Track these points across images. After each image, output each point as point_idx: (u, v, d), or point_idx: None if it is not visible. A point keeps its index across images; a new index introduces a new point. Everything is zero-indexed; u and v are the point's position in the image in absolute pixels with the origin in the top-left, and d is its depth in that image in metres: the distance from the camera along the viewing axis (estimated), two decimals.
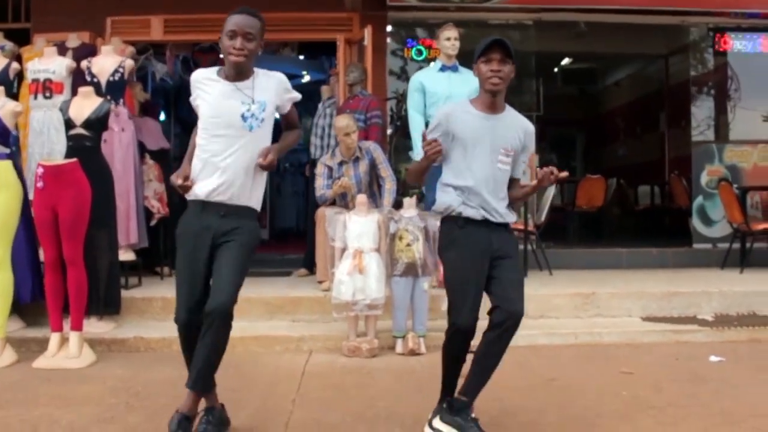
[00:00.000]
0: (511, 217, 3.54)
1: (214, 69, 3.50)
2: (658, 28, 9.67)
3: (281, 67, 11.32)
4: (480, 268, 3.41)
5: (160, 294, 6.15)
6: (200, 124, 3.45)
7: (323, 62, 10.30)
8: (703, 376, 4.72)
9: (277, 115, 3.58)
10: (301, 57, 10.55)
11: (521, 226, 7.51)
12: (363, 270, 5.29)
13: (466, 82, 6.40)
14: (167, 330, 5.62)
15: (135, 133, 6.75)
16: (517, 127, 3.53)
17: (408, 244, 5.40)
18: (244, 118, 3.37)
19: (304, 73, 11.22)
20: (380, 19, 8.10)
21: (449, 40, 6.32)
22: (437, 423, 3.49)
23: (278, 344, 5.53)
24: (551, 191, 7.92)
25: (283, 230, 12.71)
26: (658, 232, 10.42)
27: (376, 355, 5.26)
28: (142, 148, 7.12)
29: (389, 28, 8.62)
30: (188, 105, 3.61)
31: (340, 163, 6.42)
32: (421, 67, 7.80)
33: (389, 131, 8.12)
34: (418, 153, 6.39)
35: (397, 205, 5.99)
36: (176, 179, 3.37)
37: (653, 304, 6.30)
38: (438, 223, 5.45)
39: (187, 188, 3.37)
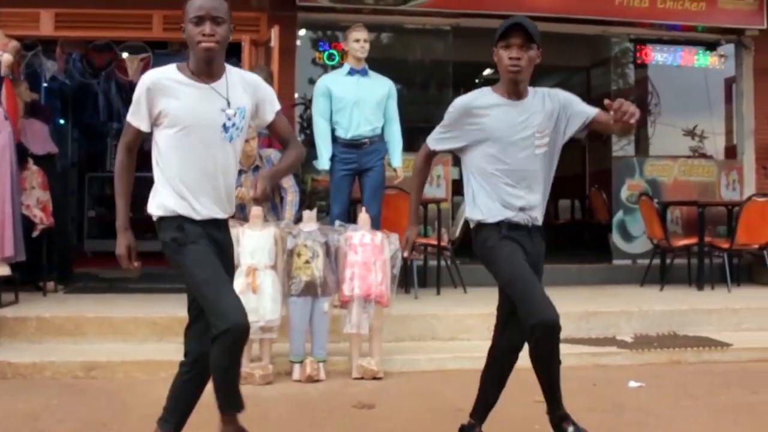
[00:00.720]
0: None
1: (172, 66, 2.95)
2: (581, 40, 9.50)
3: None
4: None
5: (36, 313, 5.55)
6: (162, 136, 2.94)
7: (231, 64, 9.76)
8: (622, 404, 4.41)
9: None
10: None
11: (434, 241, 7.14)
12: (256, 289, 4.81)
13: (376, 87, 6.02)
14: (40, 353, 5.07)
15: (12, 136, 6.11)
16: (543, 103, 3.25)
17: (307, 261, 4.94)
18: (225, 128, 2.93)
19: None
20: (290, 19, 7.62)
21: (358, 41, 5.91)
22: None
23: (164, 370, 4.94)
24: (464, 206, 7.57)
25: None
26: (579, 247, 10.19)
27: (270, 382, 4.80)
28: (26, 153, 6.53)
29: (303, 32, 8.17)
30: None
31: (239, 172, 5.92)
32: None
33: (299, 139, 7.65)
34: (323, 163, 5.95)
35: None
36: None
37: (571, 324, 5.94)
38: (339, 237, 5.09)
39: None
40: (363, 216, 5.29)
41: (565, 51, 11.46)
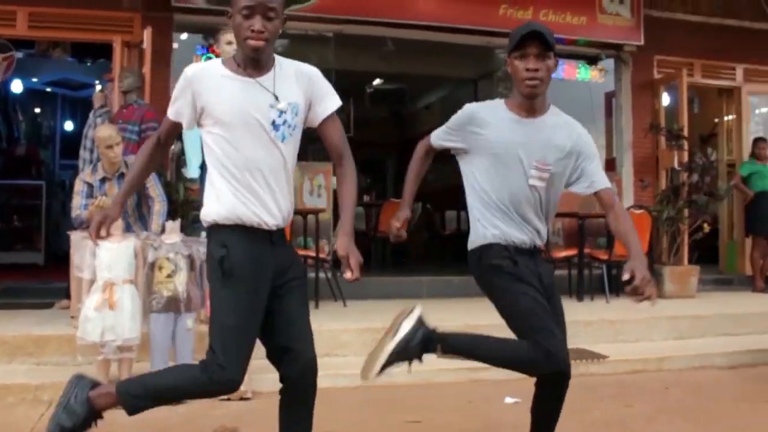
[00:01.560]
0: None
1: (217, 60, 2.72)
2: (467, 52, 9.47)
3: (50, 71, 10.20)
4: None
5: None
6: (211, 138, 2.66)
7: (101, 66, 9.27)
8: (497, 422, 4.28)
9: None
10: (73, 59, 9.47)
11: (312, 253, 6.91)
12: (114, 305, 4.45)
13: None
14: None
15: None
16: (562, 131, 3.06)
17: (168, 275, 4.62)
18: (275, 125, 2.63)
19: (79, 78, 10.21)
20: (165, 21, 7.27)
21: (231, 44, 5.60)
22: None
23: (12, 395, 4.59)
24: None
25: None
26: (464, 258, 10.17)
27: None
28: None
29: (185, 35, 7.83)
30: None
31: (102, 180, 5.57)
32: None
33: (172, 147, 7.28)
34: (193, 171, 5.65)
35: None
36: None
37: None
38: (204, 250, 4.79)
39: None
40: None
41: (453, 62, 11.55)
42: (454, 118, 3.14)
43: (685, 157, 8.55)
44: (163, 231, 5.02)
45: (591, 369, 5.61)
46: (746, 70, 9.58)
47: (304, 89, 2.70)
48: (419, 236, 11.66)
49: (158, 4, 7.25)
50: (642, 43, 8.60)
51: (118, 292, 4.51)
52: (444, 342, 3.10)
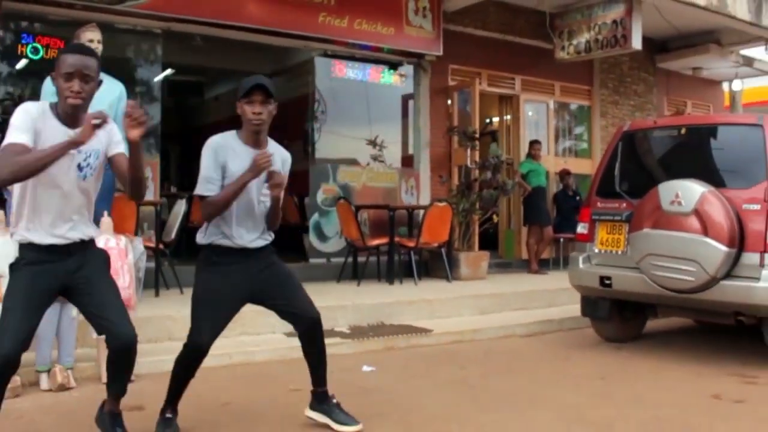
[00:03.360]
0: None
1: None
2: (262, 48, 9.89)
3: None
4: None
5: None
6: None
7: None
8: (364, 388, 4.93)
9: None
10: None
11: (151, 244, 7.16)
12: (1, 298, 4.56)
13: (108, 90, 5.92)
14: None
15: None
16: (278, 158, 3.70)
17: None
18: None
19: None
20: None
21: (92, 42, 5.78)
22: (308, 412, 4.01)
23: None
24: (182, 208, 7.70)
25: None
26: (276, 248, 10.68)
27: (19, 395, 4.56)
28: None
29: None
30: None
31: None
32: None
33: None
34: None
35: None
36: None
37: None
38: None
39: None
40: (105, 220, 5.23)
41: (246, 58, 11.97)
42: (209, 157, 3.62)
43: (477, 156, 9.74)
44: None
45: (420, 341, 6.48)
46: (523, 81, 11.05)
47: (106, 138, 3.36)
48: None
49: None
50: (441, 53, 9.64)
51: (3, 284, 4.62)
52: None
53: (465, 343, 6.63)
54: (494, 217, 10.17)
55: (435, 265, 9.37)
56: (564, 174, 11.00)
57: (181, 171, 15.67)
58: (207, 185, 3.59)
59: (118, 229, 5.49)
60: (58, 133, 3.16)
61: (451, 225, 8.95)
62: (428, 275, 9.34)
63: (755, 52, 12.58)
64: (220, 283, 3.68)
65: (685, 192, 5.54)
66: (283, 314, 3.92)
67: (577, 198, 11.08)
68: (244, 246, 3.71)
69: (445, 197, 9.37)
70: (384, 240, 8.73)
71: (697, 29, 11.64)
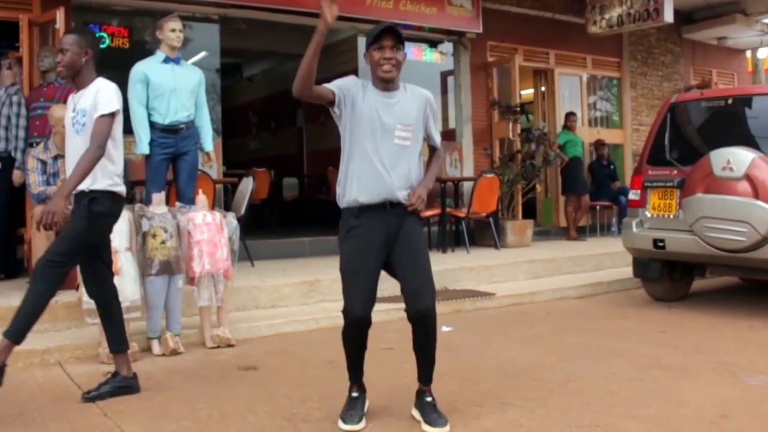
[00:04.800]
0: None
1: None
2: (298, 29, 10.21)
3: None
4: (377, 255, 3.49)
5: None
6: None
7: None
8: (448, 345, 5.32)
9: None
10: None
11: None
12: (118, 271, 5.01)
13: (189, 75, 6.35)
14: None
15: None
16: (415, 98, 3.58)
17: (163, 242, 5.24)
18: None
19: None
20: (65, 0, 7.49)
21: (174, 31, 6.19)
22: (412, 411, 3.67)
23: (20, 360, 4.95)
24: (249, 186, 8.11)
25: None
26: (315, 222, 11.13)
27: (137, 359, 5.02)
28: None
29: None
30: None
31: (55, 158, 5.93)
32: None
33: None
34: (143, 148, 6.16)
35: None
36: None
37: None
38: (185, 219, 5.45)
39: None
40: (201, 197, 5.67)
41: (286, 38, 12.29)
42: (343, 80, 3.50)
43: (519, 128, 10.13)
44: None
45: (485, 304, 6.92)
46: (557, 55, 11.41)
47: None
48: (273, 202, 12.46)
49: None
50: (480, 30, 10.00)
51: (121, 259, 5.08)
52: None
53: (526, 305, 7.07)
54: (537, 186, 10.57)
55: (481, 234, 9.80)
56: (599, 144, 11.38)
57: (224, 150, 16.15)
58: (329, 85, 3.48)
59: None
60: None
61: (499, 195, 9.36)
62: (475, 244, 9.75)
63: None
64: (357, 248, 3.47)
65: (736, 158, 5.93)
66: (401, 289, 3.55)
67: (612, 167, 11.48)
68: (383, 199, 3.46)
69: (490, 168, 9.76)
70: (436, 211, 9.13)
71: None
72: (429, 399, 3.58)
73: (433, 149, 3.85)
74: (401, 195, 3.49)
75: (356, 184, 3.48)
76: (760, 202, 5.80)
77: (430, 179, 3.68)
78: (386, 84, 3.49)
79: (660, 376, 4.43)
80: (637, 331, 5.84)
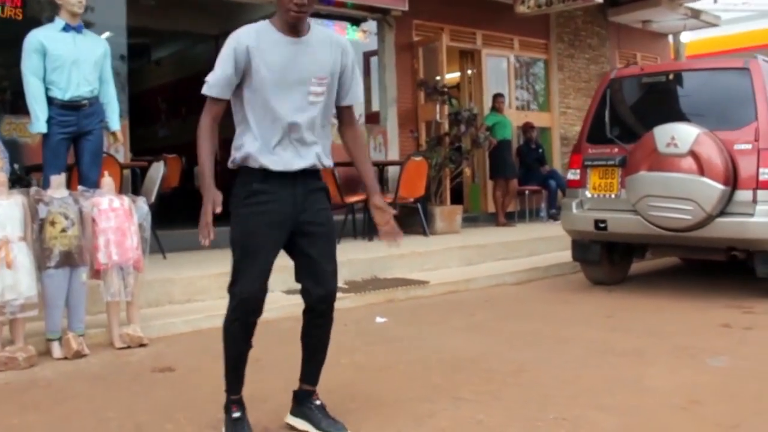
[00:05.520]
0: (327, 162, 3.04)
1: None
2: (210, 6, 9.63)
3: None
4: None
5: None
6: None
7: None
8: (384, 337, 4.96)
9: None
10: None
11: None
12: (11, 264, 4.39)
13: (93, 46, 5.71)
14: None
15: None
16: (330, 47, 2.95)
17: (63, 230, 4.62)
18: None
19: None
20: None
21: (81, 2, 5.54)
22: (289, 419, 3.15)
23: None
24: (159, 171, 7.48)
25: None
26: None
27: (34, 365, 4.40)
28: None
29: None
30: None
31: None
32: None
33: None
34: (40, 126, 5.51)
35: None
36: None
37: (290, 278, 6.35)
38: (89, 204, 4.85)
39: None
40: (107, 180, 5.07)
41: (192, 17, 11.70)
42: (225, 52, 2.84)
43: (446, 110, 9.75)
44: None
45: (418, 292, 6.53)
46: (484, 35, 11.08)
47: None
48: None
49: None
50: (406, 8, 9.56)
51: (14, 249, 4.45)
52: None
53: (461, 293, 6.70)
54: (466, 170, 10.24)
55: (408, 220, 9.35)
56: (527, 127, 11.13)
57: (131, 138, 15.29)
58: (211, 86, 2.87)
59: None
60: None
61: (427, 179, 8.97)
62: (402, 230, 9.31)
63: (702, 4, 12.92)
64: (260, 218, 2.91)
65: (681, 134, 5.69)
66: (297, 272, 3.06)
67: (540, 151, 11.25)
68: (285, 169, 2.90)
69: (418, 152, 9.36)
70: (361, 197, 8.68)
71: None
72: (319, 402, 3.09)
73: (348, 123, 3.17)
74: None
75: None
76: (705, 179, 5.56)
77: (374, 179, 3.16)
78: (293, 27, 2.86)
79: (617, 362, 4.12)
80: (583, 316, 5.54)
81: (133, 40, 8.98)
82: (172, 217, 10.27)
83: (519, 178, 10.74)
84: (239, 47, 2.83)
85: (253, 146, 2.89)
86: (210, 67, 2.95)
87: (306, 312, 3.07)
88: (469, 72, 11.33)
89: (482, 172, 11.08)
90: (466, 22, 10.73)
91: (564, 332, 4.94)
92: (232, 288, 2.95)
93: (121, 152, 7.60)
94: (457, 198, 11.00)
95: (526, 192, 10.97)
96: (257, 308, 2.94)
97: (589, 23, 12.76)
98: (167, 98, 15.15)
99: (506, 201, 10.56)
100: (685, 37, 14.02)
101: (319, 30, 3.01)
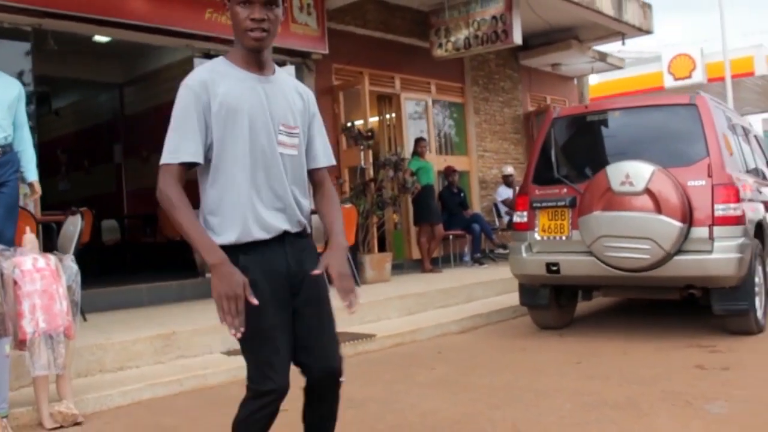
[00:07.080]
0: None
1: None
2: (115, 55, 9.16)
3: None
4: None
5: None
6: None
7: None
8: (357, 399, 4.48)
9: None
10: None
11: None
12: None
13: (5, 88, 5.15)
14: None
15: None
16: (294, 91, 2.54)
17: None
18: None
19: None
20: None
21: None
22: None
23: None
24: (77, 226, 6.84)
25: None
26: (159, 265, 9.91)
27: None
28: None
29: None
30: None
31: None
32: None
33: None
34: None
35: None
36: None
37: (230, 338, 5.87)
38: (10, 265, 4.27)
39: None
40: (30, 237, 4.50)
41: (95, 64, 11.13)
42: (186, 100, 2.38)
43: (370, 156, 9.47)
44: None
45: (366, 347, 6.13)
46: (402, 79, 10.93)
47: None
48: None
49: None
50: (327, 51, 9.29)
51: None
52: None
53: (409, 345, 6.36)
54: (394, 216, 9.95)
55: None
56: (449, 171, 10.98)
57: None
58: (171, 153, 2.34)
59: None
60: None
61: (356, 227, 8.64)
62: (330, 281, 8.93)
63: (609, 47, 13.29)
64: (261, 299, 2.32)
65: (635, 172, 5.60)
66: (300, 345, 2.48)
67: (462, 194, 11.13)
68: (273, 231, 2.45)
69: (347, 198, 9.02)
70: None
71: (561, 25, 12.04)
72: None
73: (319, 182, 2.68)
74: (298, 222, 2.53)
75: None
76: (662, 217, 5.47)
77: (342, 244, 2.59)
78: (256, 56, 2.42)
79: (618, 417, 3.85)
80: (550, 364, 5.28)
81: (33, 88, 8.32)
82: (86, 273, 9.48)
83: (443, 223, 10.54)
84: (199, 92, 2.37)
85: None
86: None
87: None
88: (388, 116, 11.12)
89: (405, 218, 10.83)
90: (384, 66, 10.55)
91: (539, 384, 4.66)
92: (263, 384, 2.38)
93: (30, 206, 6.95)
94: (380, 246, 10.70)
95: (450, 237, 10.78)
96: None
97: (502, 66, 12.85)
98: (67, 149, 14.36)
99: (432, 247, 10.32)
100: (593, 79, 14.35)
101: (283, 73, 2.58)
